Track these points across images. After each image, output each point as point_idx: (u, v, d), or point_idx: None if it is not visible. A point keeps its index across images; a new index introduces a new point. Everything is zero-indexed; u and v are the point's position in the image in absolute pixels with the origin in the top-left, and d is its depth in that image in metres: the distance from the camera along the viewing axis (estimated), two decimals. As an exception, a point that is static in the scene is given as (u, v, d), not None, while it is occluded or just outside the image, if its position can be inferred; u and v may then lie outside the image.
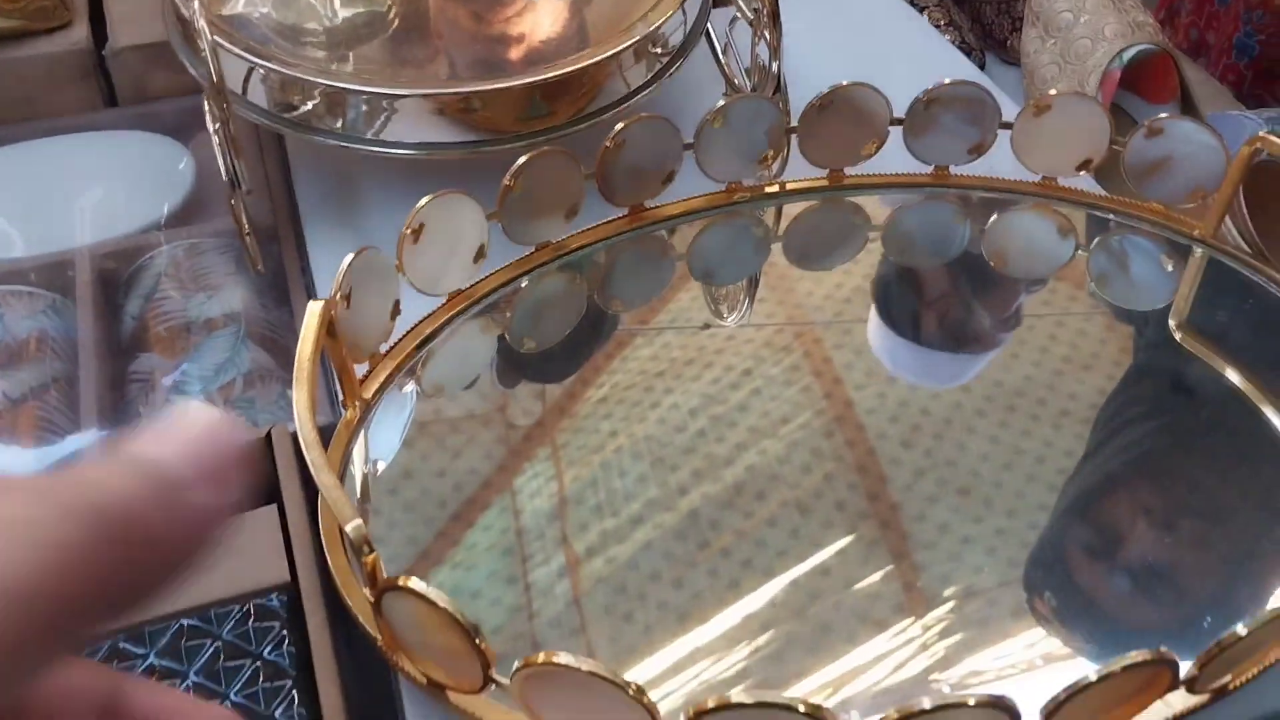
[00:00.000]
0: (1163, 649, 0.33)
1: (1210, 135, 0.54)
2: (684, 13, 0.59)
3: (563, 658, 0.32)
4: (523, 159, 0.50)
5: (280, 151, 0.65)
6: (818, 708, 0.31)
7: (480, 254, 0.51)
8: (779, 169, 0.59)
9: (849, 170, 0.59)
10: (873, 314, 0.55)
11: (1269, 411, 0.49)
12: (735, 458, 0.47)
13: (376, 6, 0.64)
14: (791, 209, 0.60)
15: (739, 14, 0.59)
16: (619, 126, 0.53)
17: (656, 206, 0.57)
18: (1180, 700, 0.37)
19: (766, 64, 0.56)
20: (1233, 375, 0.51)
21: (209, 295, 0.57)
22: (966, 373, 0.53)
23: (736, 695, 0.31)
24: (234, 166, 0.49)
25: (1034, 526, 0.44)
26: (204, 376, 0.53)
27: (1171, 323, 0.54)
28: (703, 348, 0.52)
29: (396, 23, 0.62)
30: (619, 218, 0.56)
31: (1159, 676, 0.34)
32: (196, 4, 0.49)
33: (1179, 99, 0.70)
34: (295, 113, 0.55)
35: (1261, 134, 0.52)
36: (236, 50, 0.54)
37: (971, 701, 0.31)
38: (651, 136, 0.54)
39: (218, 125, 0.49)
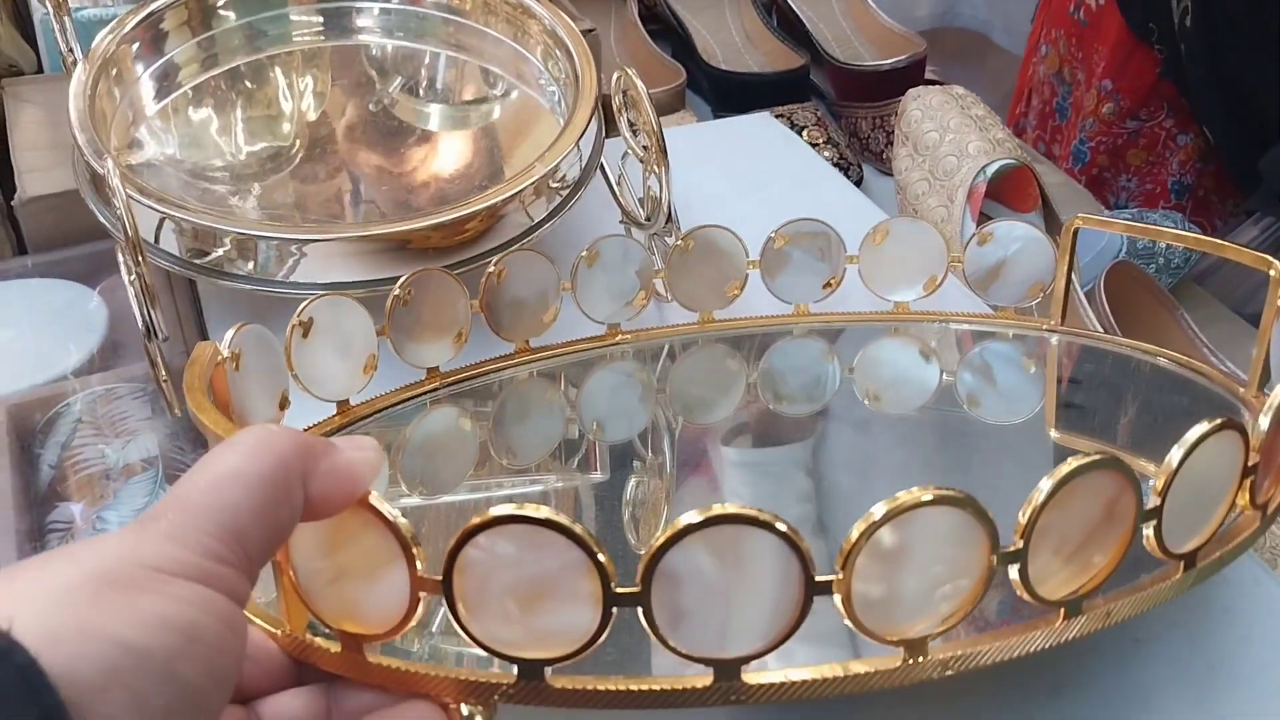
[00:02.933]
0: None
1: (1035, 230, 0.59)
2: (579, 149, 0.63)
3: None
4: (408, 275, 0.52)
5: (192, 293, 0.66)
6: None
7: (370, 365, 0.50)
8: (660, 312, 0.61)
9: (718, 314, 0.61)
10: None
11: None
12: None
13: (280, 141, 0.67)
14: (674, 354, 0.61)
15: (629, 150, 0.64)
16: (497, 259, 0.55)
17: (542, 347, 0.58)
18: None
19: (658, 195, 0.59)
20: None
21: (126, 440, 0.57)
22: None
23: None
24: (150, 317, 0.49)
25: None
26: (123, 523, 0.53)
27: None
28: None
29: (301, 155, 0.65)
30: (507, 355, 0.57)
31: (1123, 495, 0.32)
32: (110, 163, 0.51)
33: (1040, 207, 0.76)
34: (207, 258, 0.57)
35: (1081, 215, 0.57)
36: (149, 203, 0.56)
37: (930, 496, 0.29)
38: (530, 271, 0.56)
39: (133, 277, 0.49)
